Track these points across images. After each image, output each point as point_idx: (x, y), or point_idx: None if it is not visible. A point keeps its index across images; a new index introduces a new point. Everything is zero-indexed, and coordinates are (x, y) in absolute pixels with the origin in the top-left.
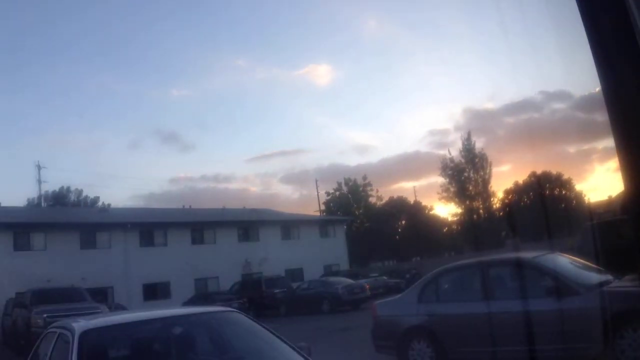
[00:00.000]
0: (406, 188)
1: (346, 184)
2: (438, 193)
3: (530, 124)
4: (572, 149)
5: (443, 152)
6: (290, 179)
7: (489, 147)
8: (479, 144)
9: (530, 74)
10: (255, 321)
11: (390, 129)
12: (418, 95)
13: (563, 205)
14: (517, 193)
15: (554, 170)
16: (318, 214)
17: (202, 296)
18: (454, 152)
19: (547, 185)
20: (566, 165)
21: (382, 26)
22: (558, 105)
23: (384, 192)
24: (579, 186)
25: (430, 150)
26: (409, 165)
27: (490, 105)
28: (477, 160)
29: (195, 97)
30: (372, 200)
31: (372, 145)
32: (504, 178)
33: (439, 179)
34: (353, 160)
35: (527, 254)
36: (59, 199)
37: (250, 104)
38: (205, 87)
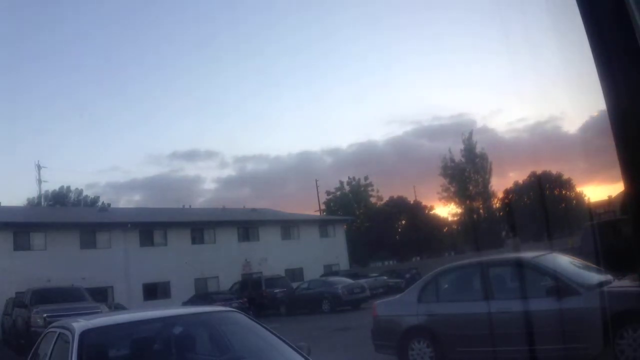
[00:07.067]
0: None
1: (348, 183)
2: (438, 193)
3: (529, 124)
4: (573, 149)
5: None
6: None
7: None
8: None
9: (529, 75)
10: (255, 321)
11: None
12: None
13: (563, 205)
14: (517, 193)
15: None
16: (318, 213)
17: (202, 296)
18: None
19: (547, 185)
20: (568, 166)
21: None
22: (557, 105)
23: None
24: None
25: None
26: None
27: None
28: (477, 160)
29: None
30: (373, 200)
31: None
32: (505, 179)
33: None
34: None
35: (527, 254)
36: (59, 198)
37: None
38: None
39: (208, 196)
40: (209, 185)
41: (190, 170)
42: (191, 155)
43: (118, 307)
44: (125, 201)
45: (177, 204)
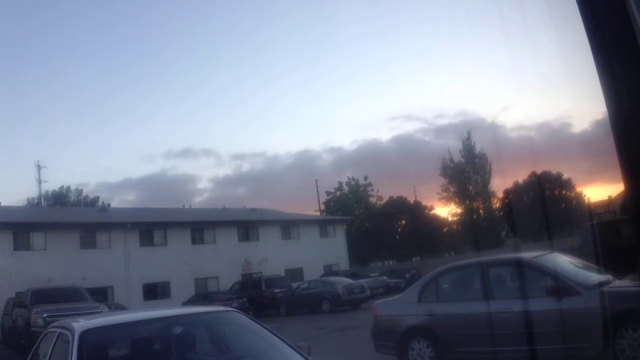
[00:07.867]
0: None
1: (347, 184)
2: (438, 193)
3: (529, 124)
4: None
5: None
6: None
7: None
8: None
9: (529, 75)
10: (255, 321)
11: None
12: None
13: (563, 205)
14: (517, 193)
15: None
16: (318, 213)
17: (202, 296)
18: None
19: (547, 185)
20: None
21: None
22: (561, 105)
23: None
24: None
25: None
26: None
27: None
28: (477, 160)
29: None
30: (372, 200)
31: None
32: (506, 179)
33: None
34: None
35: (527, 254)
36: (59, 198)
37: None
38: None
39: (206, 196)
40: (207, 185)
41: (186, 169)
42: (187, 154)
43: (118, 307)
44: (120, 201)
45: (174, 203)
